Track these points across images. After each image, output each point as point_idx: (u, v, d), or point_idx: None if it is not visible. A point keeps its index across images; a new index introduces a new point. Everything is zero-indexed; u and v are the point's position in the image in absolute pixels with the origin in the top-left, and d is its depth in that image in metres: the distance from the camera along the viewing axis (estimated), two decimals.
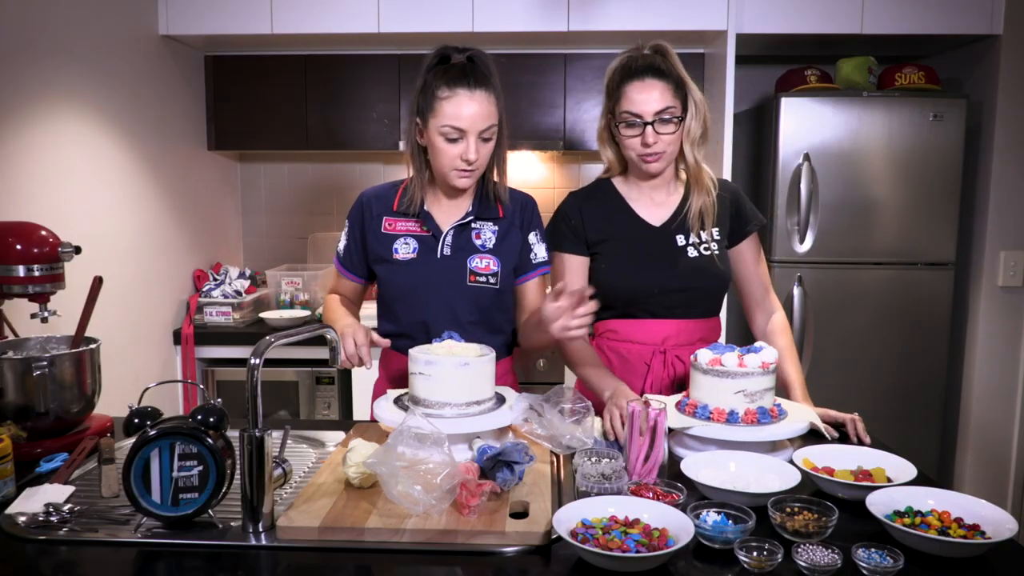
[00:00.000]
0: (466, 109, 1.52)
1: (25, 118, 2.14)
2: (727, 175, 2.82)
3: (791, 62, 3.21)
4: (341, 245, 1.75)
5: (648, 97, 1.61)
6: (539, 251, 1.71)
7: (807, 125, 2.83)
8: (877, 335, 2.91)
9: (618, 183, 1.78)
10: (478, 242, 1.66)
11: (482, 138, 1.55)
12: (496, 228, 1.68)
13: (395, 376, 1.72)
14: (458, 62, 1.55)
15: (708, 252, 1.71)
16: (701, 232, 1.72)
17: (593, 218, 1.74)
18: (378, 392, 1.77)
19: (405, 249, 1.66)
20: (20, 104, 2.12)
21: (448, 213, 1.68)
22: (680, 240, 1.71)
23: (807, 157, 2.83)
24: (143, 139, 2.73)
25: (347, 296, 1.79)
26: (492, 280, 1.65)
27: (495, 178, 1.67)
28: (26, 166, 2.14)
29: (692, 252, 1.71)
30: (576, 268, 1.74)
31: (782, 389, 1.76)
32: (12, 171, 2.09)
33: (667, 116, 1.62)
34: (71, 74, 2.33)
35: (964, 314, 3.02)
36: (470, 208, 1.67)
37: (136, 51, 2.71)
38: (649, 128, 1.61)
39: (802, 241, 2.87)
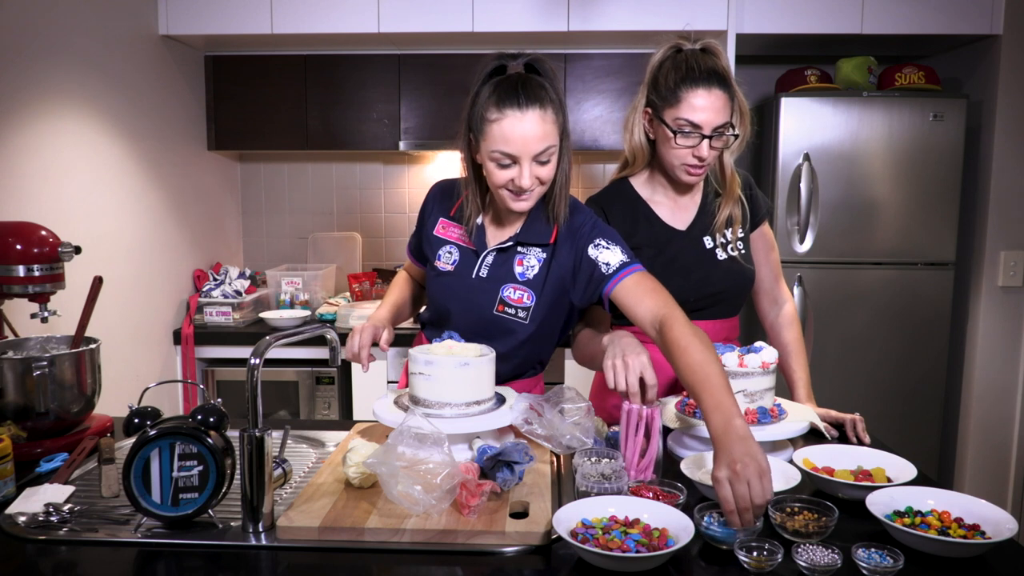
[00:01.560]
0: (517, 132, 1.35)
1: (25, 118, 2.14)
2: None
3: (791, 62, 3.21)
4: (414, 228, 1.70)
5: (712, 106, 1.51)
6: (609, 258, 1.46)
7: (807, 125, 2.83)
8: (877, 335, 2.91)
9: (638, 185, 1.70)
10: (518, 269, 1.51)
11: (538, 161, 1.38)
12: (543, 256, 1.51)
13: None
14: (513, 72, 1.40)
15: (735, 252, 1.68)
16: (726, 232, 1.67)
17: (619, 224, 1.63)
18: (405, 382, 1.75)
19: (447, 258, 1.56)
20: (20, 104, 2.12)
21: (501, 230, 1.55)
22: (708, 243, 1.66)
23: (807, 157, 2.83)
24: (143, 139, 2.73)
25: (415, 277, 1.78)
26: (521, 315, 1.49)
27: (555, 195, 1.48)
28: (26, 166, 2.14)
29: (721, 254, 1.66)
30: None
31: (786, 386, 1.75)
32: (12, 171, 2.09)
33: (723, 131, 1.54)
34: (71, 74, 2.33)
35: (964, 314, 3.02)
36: (517, 230, 1.52)
37: (136, 51, 2.71)
38: (706, 141, 1.53)
39: (802, 241, 2.87)
